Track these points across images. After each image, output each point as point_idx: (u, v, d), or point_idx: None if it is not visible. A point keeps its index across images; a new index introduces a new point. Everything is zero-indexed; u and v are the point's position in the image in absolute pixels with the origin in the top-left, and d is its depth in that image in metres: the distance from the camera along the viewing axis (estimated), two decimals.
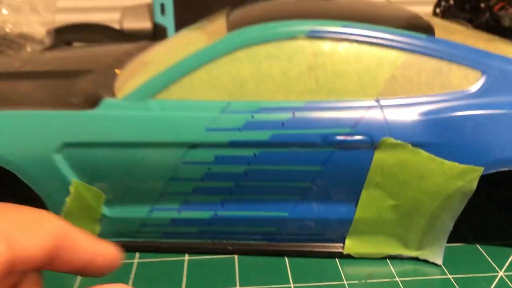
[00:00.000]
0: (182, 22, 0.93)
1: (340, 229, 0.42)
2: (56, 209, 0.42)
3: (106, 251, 0.32)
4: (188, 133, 0.39)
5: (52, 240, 0.27)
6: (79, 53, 0.55)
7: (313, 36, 0.40)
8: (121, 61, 0.51)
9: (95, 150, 0.39)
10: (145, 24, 1.02)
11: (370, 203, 0.41)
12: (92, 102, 0.41)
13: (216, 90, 0.40)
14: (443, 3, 0.98)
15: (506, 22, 0.88)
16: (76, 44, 1.02)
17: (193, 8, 0.93)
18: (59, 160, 0.40)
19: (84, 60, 0.52)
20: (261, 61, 0.40)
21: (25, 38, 0.84)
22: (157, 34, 0.94)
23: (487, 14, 0.91)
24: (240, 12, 0.46)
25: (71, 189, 0.41)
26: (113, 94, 0.42)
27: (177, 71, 0.41)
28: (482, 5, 0.93)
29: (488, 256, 0.44)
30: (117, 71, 0.48)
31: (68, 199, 0.41)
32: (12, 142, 0.40)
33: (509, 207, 0.52)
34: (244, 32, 0.41)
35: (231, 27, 0.42)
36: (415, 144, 0.39)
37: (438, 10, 0.99)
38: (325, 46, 0.40)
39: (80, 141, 0.39)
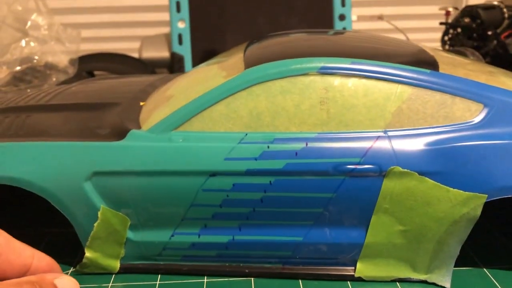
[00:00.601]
0: (198, 51, 0.97)
1: (352, 253, 0.45)
2: (84, 233, 0.45)
3: (43, 257, 0.38)
4: (208, 163, 0.42)
5: None
6: (105, 85, 0.59)
7: (324, 72, 0.43)
8: (145, 94, 0.54)
9: (122, 178, 0.43)
10: (163, 53, 1.05)
11: (380, 228, 0.43)
12: (120, 133, 0.44)
13: (234, 122, 0.43)
14: (451, 31, 1.00)
15: None
16: (97, 72, 1.07)
17: (209, 38, 0.97)
18: (89, 188, 0.43)
19: (110, 92, 0.55)
20: (276, 95, 0.43)
21: (50, 68, 0.88)
22: (175, 63, 0.97)
23: (494, 42, 0.93)
24: (255, 49, 0.49)
25: (99, 214, 0.44)
26: (138, 126, 0.45)
27: (197, 105, 0.44)
28: (489, 33, 0.95)
29: (496, 280, 0.46)
30: (141, 103, 0.51)
31: (96, 224, 0.44)
32: (45, 171, 0.43)
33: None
34: (260, 69, 0.44)
35: (248, 64, 0.45)
36: (421, 173, 0.41)
37: (446, 38, 1.01)
38: (336, 81, 0.43)
39: (108, 170, 0.42)
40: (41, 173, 0.43)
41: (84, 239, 0.45)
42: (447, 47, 1.00)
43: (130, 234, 0.45)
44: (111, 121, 0.47)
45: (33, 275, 0.36)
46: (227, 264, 0.46)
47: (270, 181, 0.42)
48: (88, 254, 0.45)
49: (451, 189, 0.41)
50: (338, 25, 0.97)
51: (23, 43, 0.87)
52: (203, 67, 0.53)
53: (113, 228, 0.44)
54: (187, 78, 0.51)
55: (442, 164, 0.41)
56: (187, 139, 0.43)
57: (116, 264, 0.46)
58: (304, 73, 0.43)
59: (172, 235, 0.45)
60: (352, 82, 0.43)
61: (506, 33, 0.94)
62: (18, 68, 0.84)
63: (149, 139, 0.43)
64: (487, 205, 0.41)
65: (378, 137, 0.42)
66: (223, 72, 0.46)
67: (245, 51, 0.50)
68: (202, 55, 0.96)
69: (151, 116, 0.46)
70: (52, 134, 0.45)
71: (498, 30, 0.93)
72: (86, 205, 0.43)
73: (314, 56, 0.44)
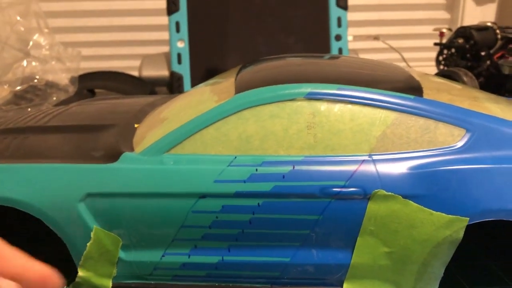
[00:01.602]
0: (197, 70, 0.98)
1: (338, 273, 0.46)
2: (78, 253, 0.46)
3: (36, 268, 0.35)
4: (198, 185, 0.43)
5: None
6: (103, 107, 0.60)
7: (311, 98, 0.44)
8: (141, 115, 0.56)
9: (115, 200, 0.44)
10: (163, 72, 1.07)
11: (365, 249, 0.44)
12: (113, 156, 0.45)
13: (224, 145, 0.45)
14: (445, 51, 1.02)
15: (505, 70, 0.91)
16: (97, 90, 1.09)
17: (208, 57, 0.99)
18: (83, 209, 0.44)
19: (107, 114, 0.57)
20: (265, 120, 0.45)
21: (51, 86, 0.90)
22: (174, 81, 0.99)
23: (488, 62, 0.95)
24: (247, 74, 0.51)
25: (92, 235, 0.45)
26: (132, 148, 0.47)
27: (189, 128, 0.45)
28: (483, 53, 0.96)
29: None
30: (136, 125, 0.53)
31: (88, 244, 0.45)
32: (40, 192, 0.44)
33: (500, 254, 0.54)
34: (249, 94, 0.45)
35: (239, 88, 0.47)
36: (405, 196, 0.42)
37: (440, 58, 1.03)
38: (322, 106, 0.44)
39: (102, 192, 0.44)
40: (36, 194, 0.44)
41: (77, 258, 0.46)
42: (441, 66, 1.02)
43: (122, 254, 0.46)
44: (105, 143, 0.49)
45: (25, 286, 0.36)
46: (216, 284, 0.47)
47: (258, 203, 0.43)
48: (81, 273, 0.46)
49: (434, 212, 0.42)
50: (334, 45, 0.99)
51: (24, 63, 0.89)
52: (196, 90, 0.54)
53: (106, 248, 0.45)
54: (181, 101, 0.52)
55: (425, 188, 0.42)
56: (178, 161, 0.44)
57: (108, 283, 0.47)
58: (292, 99, 0.45)
59: (163, 255, 0.46)
60: (338, 107, 0.44)
61: (499, 54, 0.95)
62: (19, 87, 0.86)
63: (141, 162, 0.45)
64: (471, 228, 0.42)
65: (363, 161, 0.43)
66: (214, 97, 0.48)
67: (237, 75, 0.51)
68: (201, 74, 0.98)
69: (144, 139, 0.47)
70: (48, 156, 0.47)
71: (491, 51, 0.95)
72: (79, 225, 0.45)
73: (303, 81, 0.46)
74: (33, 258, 0.35)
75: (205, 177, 0.43)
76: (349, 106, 0.44)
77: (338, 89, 0.45)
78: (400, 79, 0.49)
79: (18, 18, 0.88)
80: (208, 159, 0.44)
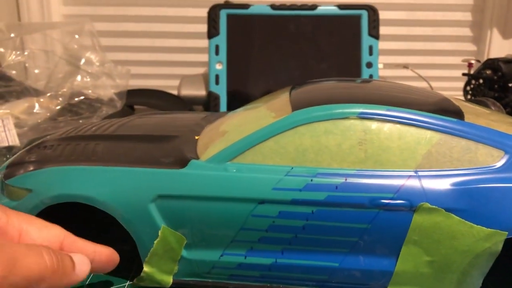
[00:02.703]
0: (233, 91, 1.04)
1: (382, 280, 0.49)
2: (145, 250, 0.50)
3: (103, 250, 0.45)
4: (258, 191, 0.48)
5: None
6: (162, 120, 0.66)
7: (363, 117, 0.49)
8: (198, 128, 0.61)
9: (182, 201, 0.49)
10: (200, 92, 1.12)
11: (409, 258, 0.48)
12: (182, 162, 0.50)
13: (281, 157, 0.49)
14: (473, 81, 1.06)
15: None
16: (136, 107, 1.15)
17: (244, 80, 1.04)
18: (153, 209, 0.49)
19: (168, 126, 0.62)
20: (320, 135, 0.49)
21: (101, 101, 0.97)
22: (211, 101, 1.04)
23: None
24: (300, 93, 0.56)
25: (159, 233, 0.49)
26: (196, 157, 0.52)
27: (250, 140, 0.50)
28: (510, 84, 1.00)
29: None
30: (196, 137, 0.58)
31: (156, 242, 0.50)
32: (115, 193, 0.49)
33: None
34: (306, 111, 0.50)
35: (295, 106, 0.52)
36: (448, 209, 0.46)
37: (468, 88, 1.07)
38: (373, 125, 0.49)
39: (171, 194, 0.49)
40: (113, 194, 0.49)
41: (144, 254, 0.50)
42: (469, 96, 1.06)
43: (184, 252, 0.51)
44: (172, 151, 0.54)
45: (93, 268, 0.44)
46: (268, 285, 0.51)
47: (312, 211, 0.48)
48: (146, 268, 0.51)
49: (475, 225, 0.46)
50: (365, 72, 1.04)
51: (78, 77, 0.95)
52: (251, 108, 0.59)
53: (170, 246, 0.50)
54: (238, 117, 0.57)
55: (466, 203, 0.46)
56: (240, 170, 0.49)
57: (169, 279, 0.52)
58: (346, 117, 0.49)
59: (222, 255, 0.50)
60: (387, 126, 0.49)
61: None
62: (72, 100, 0.93)
63: (207, 168, 0.49)
64: (509, 244, 0.46)
65: (409, 176, 0.48)
66: (272, 113, 0.53)
67: (290, 94, 0.56)
68: (236, 95, 1.03)
69: (208, 148, 0.52)
70: (121, 161, 0.52)
71: None
72: (149, 224, 0.49)
73: (354, 102, 0.50)
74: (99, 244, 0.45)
75: (264, 185, 0.48)
76: (398, 125, 0.49)
77: (387, 110, 0.49)
78: (442, 103, 0.53)
79: (76, 36, 0.95)
80: (267, 169, 0.49)
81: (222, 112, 0.74)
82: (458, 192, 0.47)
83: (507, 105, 0.98)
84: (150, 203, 0.49)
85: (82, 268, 0.41)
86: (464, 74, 1.07)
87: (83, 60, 0.98)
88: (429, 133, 0.49)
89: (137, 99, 1.15)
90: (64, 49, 1.00)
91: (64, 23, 1.03)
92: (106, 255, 0.46)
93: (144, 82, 1.31)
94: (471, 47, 1.34)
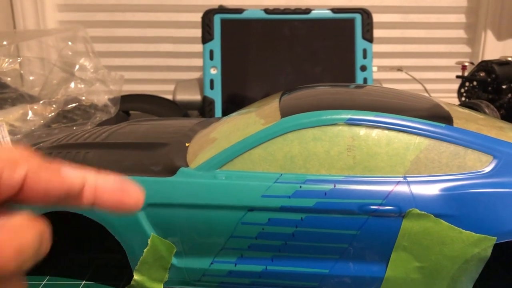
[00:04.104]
0: (228, 96, 1.04)
1: (373, 286, 0.49)
2: (135, 258, 0.50)
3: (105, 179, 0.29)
4: (247, 199, 0.48)
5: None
6: (152, 127, 0.66)
7: (351, 123, 0.49)
8: (189, 135, 0.61)
9: (171, 210, 0.49)
10: (195, 97, 1.12)
11: (399, 264, 0.48)
12: (171, 170, 0.50)
13: (270, 164, 0.49)
14: (467, 83, 1.06)
15: None
16: (132, 112, 1.15)
17: (239, 84, 1.04)
18: (142, 217, 0.49)
19: (158, 133, 0.62)
20: (308, 142, 0.49)
21: (95, 107, 0.96)
22: (206, 106, 1.04)
23: (509, 95, 0.98)
24: (289, 100, 0.56)
25: (149, 241, 0.49)
26: (186, 164, 0.52)
27: (239, 148, 0.50)
28: (504, 86, 1.00)
29: None
30: (187, 144, 0.58)
31: (145, 250, 0.50)
32: None
33: None
34: (294, 118, 0.50)
35: (284, 113, 0.52)
36: (437, 215, 0.46)
37: (462, 90, 1.07)
38: (361, 131, 0.49)
39: (160, 202, 0.49)
40: None
41: (134, 263, 0.50)
42: (463, 98, 1.06)
43: (174, 260, 0.51)
44: (162, 159, 0.54)
45: (92, 199, 0.27)
46: None
47: (302, 218, 0.48)
48: (136, 277, 0.51)
49: (464, 230, 0.46)
50: (360, 75, 1.04)
51: (72, 84, 0.95)
52: (241, 115, 0.59)
53: (160, 254, 0.50)
54: (228, 124, 0.58)
55: (455, 208, 0.46)
56: (229, 177, 0.49)
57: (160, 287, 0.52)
58: (334, 123, 0.49)
59: (212, 263, 0.50)
60: (375, 132, 0.49)
61: None
62: (66, 107, 0.92)
63: (197, 176, 0.49)
64: (498, 249, 0.46)
65: (398, 182, 0.48)
66: (261, 120, 0.53)
67: (279, 101, 0.56)
68: (231, 99, 1.03)
69: (198, 156, 0.52)
70: (111, 169, 0.52)
71: None
72: (138, 232, 0.49)
73: (342, 108, 0.50)
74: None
75: (254, 192, 0.48)
76: (386, 131, 0.49)
77: (376, 116, 0.49)
78: (431, 108, 0.53)
79: (70, 43, 0.95)
80: (256, 176, 0.49)
81: (215, 118, 0.74)
82: (447, 198, 0.47)
83: (501, 107, 0.98)
84: (139, 212, 0.49)
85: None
86: (458, 77, 1.07)
87: (77, 67, 0.98)
88: (417, 139, 0.49)
89: (132, 105, 1.15)
90: (58, 55, 1.00)
91: (58, 29, 1.03)
92: (112, 183, 0.29)
93: (139, 87, 1.31)
94: (466, 49, 1.34)
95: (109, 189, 0.29)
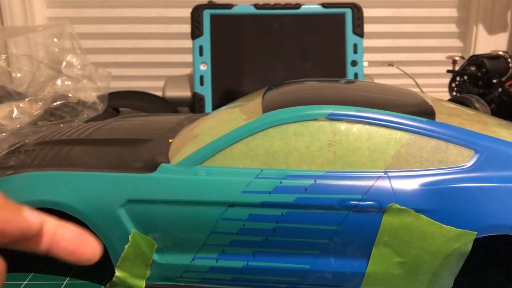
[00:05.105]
0: (218, 92, 1.03)
1: (354, 281, 0.49)
2: (116, 255, 0.50)
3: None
4: (228, 194, 0.48)
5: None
6: (137, 123, 0.65)
7: (332, 118, 0.49)
8: (173, 131, 0.61)
9: (152, 206, 0.48)
10: (185, 93, 1.12)
11: (380, 259, 0.48)
12: (151, 167, 0.50)
13: (251, 159, 0.49)
14: (458, 78, 1.06)
15: None
16: (121, 109, 1.14)
17: (229, 80, 1.04)
18: (122, 214, 0.49)
19: (142, 129, 0.62)
20: (289, 137, 0.49)
21: (82, 104, 0.96)
22: (196, 102, 1.04)
23: (499, 90, 0.98)
24: (272, 95, 0.55)
25: (130, 238, 0.49)
26: (168, 160, 0.51)
27: (220, 143, 0.50)
28: (494, 81, 1.00)
29: None
30: (170, 140, 0.58)
31: (126, 246, 0.49)
32: (84, 198, 0.49)
33: (509, 269, 0.57)
34: (276, 113, 0.50)
35: (266, 108, 0.51)
36: (418, 210, 0.46)
37: (453, 85, 1.07)
38: (342, 126, 0.49)
39: (141, 199, 0.48)
40: (82, 199, 0.49)
41: (115, 259, 0.50)
42: (454, 93, 1.06)
43: (155, 257, 0.50)
44: (144, 155, 0.53)
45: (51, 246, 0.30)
46: None
47: (282, 213, 0.48)
48: (118, 273, 0.51)
49: (444, 225, 0.46)
50: (350, 70, 1.03)
51: (59, 81, 0.94)
52: (225, 110, 0.59)
53: (141, 250, 0.50)
54: (212, 119, 0.57)
55: (436, 203, 0.46)
56: (210, 173, 0.49)
57: (142, 284, 0.51)
58: (315, 119, 0.49)
59: (193, 259, 0.50)
60: (356, 127, 0.49)
61: (510, 82, 0.99)
62: (53, 104, 0.92)
63: (177, 172, 0.49)
64: (482, 242, 0.46)
65: (379, 177, 0.47)
66: (243, 115, 0.53)
67: (263, 96, 0.56)
68: (221, 95, 1.03)
69: (179, 152, 0.52)
70: (92, 166, 0.52)
71: (503, 79, 0.99)
72: (119, 229, 0.49)
73: (324, 103, 0.50)
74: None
75: (234, 188, 0.48)
76: (367, 126, 0.49)
77: (357, 111, 0.49)
78: (414, 103, 0.53)
79: (55, 39, 0.94)
80: (237, 172, 0.49)
81: (203, 114, 0.73)
82: (428, 193, 0.47)
83: (491, 101, 0.98)
84: (119, 208, 0.49)
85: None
86: (448, 71, 1.07)
87: (64, 64, 0.98)
88: (398, 134, 0.49)
89: (121, 102, 1.14)
90: (45, 52, 0.99)
91: (44, 26, 1.03)
92: (72, 231, 0.33)
93: (129, 84, 1.30)
94: (457, 43, 1.34)
95: (67, 239, 0.31)
